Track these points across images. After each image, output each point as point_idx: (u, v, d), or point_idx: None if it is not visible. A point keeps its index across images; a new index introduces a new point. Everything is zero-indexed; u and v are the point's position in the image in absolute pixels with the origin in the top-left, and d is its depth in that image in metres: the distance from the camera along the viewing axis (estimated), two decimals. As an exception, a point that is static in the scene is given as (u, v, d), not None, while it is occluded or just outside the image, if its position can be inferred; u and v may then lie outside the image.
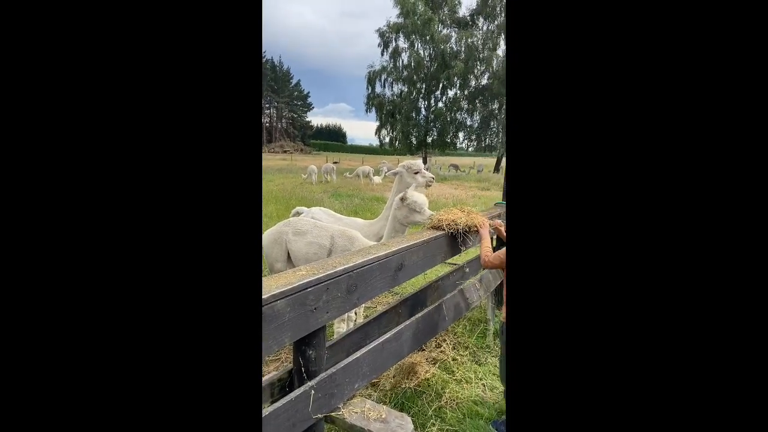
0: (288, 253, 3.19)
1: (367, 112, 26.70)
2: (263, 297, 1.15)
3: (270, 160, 29.45)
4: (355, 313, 3.19)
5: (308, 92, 71.00)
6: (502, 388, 2.44)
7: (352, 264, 1.52)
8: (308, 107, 71.65)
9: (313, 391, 1.37)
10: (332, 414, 1.48)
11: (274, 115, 69.01)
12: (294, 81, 69.43)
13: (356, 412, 1.52)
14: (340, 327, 2.93)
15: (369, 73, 25.51)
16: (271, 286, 1.22)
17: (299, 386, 1.38)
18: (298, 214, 3.61)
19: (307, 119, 72.46)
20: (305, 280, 1.31)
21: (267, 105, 66.67)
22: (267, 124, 67.55)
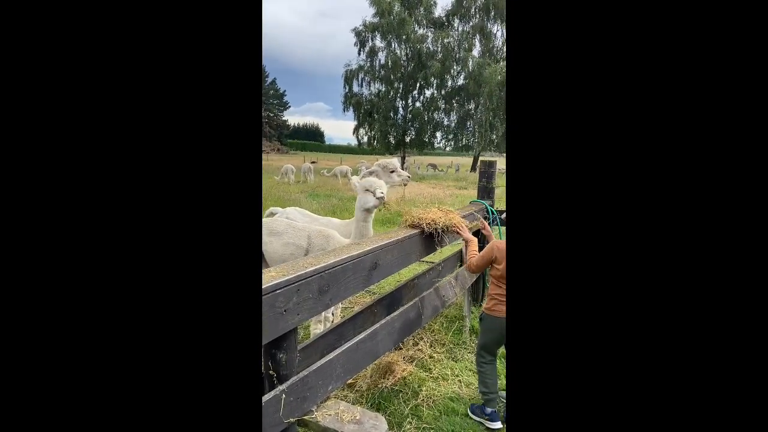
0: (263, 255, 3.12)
1: (344, 111, 26.63)
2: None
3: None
4: (333, 314, 3.15)
5: (284, 91, 69.89)
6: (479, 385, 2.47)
7: (323, 264, 1.49)
8: (284, 106, 70.55)
9: (284, 395, 1.33)
10: (305, 417, 1.45)
11: (250, 114, 67.36)
12: (269, 80, 68.24)
13: (330, 415, 1.50)
14: (317, 328, 2.89)
15: (346, 72, 25.40)
16: (238, 288, 1.18)
17: (270, 391, 1.34)
18: (272, 214, 3.54)
19: (283, 118, 71.32)
20: (274, 282, 1.27)
21: (242, 104, 64.95)
22: (242, 124, 65.78)
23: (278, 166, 19.23)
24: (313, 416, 1.47)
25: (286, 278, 1.32)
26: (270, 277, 1.30)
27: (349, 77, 25.37)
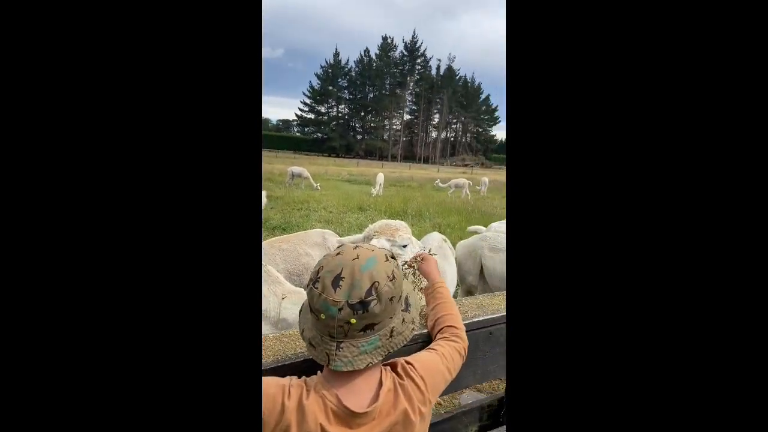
0: (482, 268, 3.15)
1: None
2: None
3: (449, 173, 30.08)
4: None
5: (496, 106, 69.70)
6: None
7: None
8: (495, 121, 70.35)
9: None
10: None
11: (460, 129, 70.60)
12: (484, 96, 69.43)
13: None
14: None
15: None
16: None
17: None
18: (477, 232, 3.52)
19: (492, 133, 71.20)
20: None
21: (455, 120, 69.02)
22: (452, 138, 69.87)
23: (478, 179, 19.29)
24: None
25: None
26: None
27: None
